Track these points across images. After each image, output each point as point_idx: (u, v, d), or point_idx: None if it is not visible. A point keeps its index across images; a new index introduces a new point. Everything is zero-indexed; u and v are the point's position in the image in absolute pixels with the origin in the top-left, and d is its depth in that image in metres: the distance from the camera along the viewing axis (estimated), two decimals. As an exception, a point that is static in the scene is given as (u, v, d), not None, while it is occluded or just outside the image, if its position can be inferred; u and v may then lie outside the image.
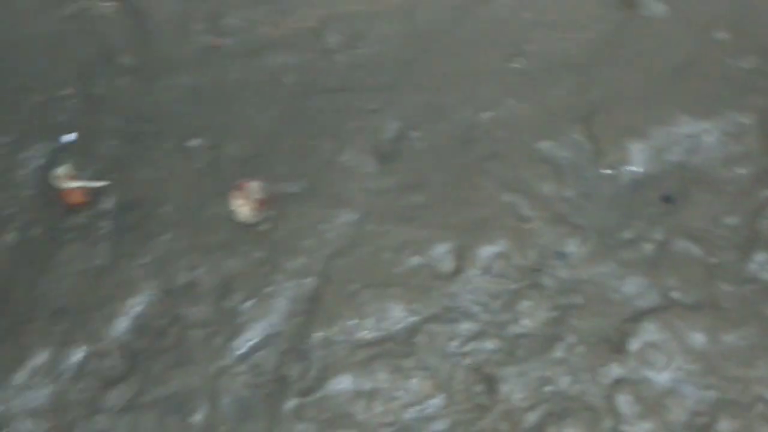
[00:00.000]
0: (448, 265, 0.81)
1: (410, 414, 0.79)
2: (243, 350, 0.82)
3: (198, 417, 0.80)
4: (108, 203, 0.87)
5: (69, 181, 0.83)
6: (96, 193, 0.86)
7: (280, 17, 0.98)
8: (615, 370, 0.77)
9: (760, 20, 0.89)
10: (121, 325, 0.83)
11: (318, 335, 0.81)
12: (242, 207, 0.83)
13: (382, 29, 0.95)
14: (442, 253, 0.82)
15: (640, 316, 0.77)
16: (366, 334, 0.81)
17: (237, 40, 0.93)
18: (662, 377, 0.77)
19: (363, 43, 0.94)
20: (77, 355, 0.83)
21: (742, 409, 0.73)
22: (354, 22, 0.96)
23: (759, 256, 0.79)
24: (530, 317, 0.80)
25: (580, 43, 0.94)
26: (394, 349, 0.80)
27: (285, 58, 0.91)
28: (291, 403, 0.79)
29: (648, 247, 0.82)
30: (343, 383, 0.80)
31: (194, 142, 0.88)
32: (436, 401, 0.79)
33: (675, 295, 0.79)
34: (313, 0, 0.98)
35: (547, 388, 0.77)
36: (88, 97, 0.90)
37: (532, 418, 0.77)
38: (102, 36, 0.93)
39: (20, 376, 0.83)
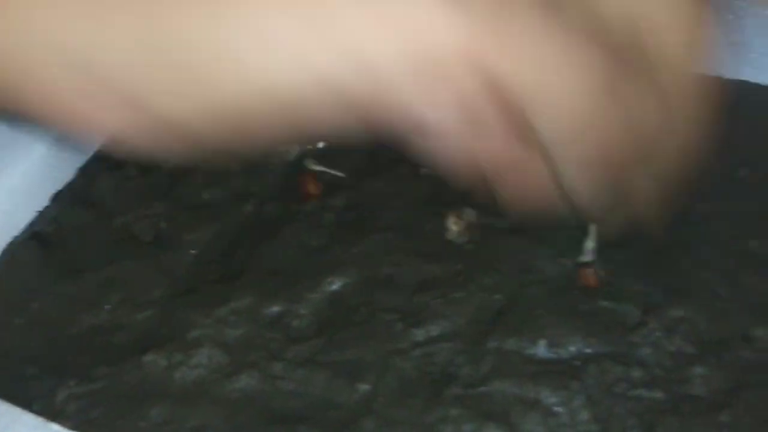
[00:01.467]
0: (634, 317, 0.84)
1: (562, 430, 0.80)
2: (420, 339, 0.87)
3: (364, 385, 0.85)
4: (336, 201, 0.98)
5: (312, 165, 0.94)
6: (328, 191, 0.97)
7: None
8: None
9: None
10: (321, 295, 0.92)
11: (493, 344, 0.85)
12: (453, 225, 0.91)
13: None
14: (630, 305, 0.85)
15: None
16: (539, 352, 0.85)
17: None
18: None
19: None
20: (276, 308, 0.92)
21: None
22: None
23: None
24: (704, 383, 0.81)
25: None
26: (564, 371, 0.82)
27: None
28: (452, 391, 0.83)
29: None
30: (506, 387, 0.83)
31: (425, 170, 0.98)
32: (591, 427, 0.80)
33: None
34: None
35: (705, 445, 0.77)
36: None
37: (682, 463, 0.76)
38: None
39: (222, 312, 0.92)
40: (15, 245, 0.98)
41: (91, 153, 1.08)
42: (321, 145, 1.04)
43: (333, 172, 0.98)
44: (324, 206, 0.99)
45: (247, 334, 0.89)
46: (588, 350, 0.81)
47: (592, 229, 0.85)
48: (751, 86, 1.01)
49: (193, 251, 0.97)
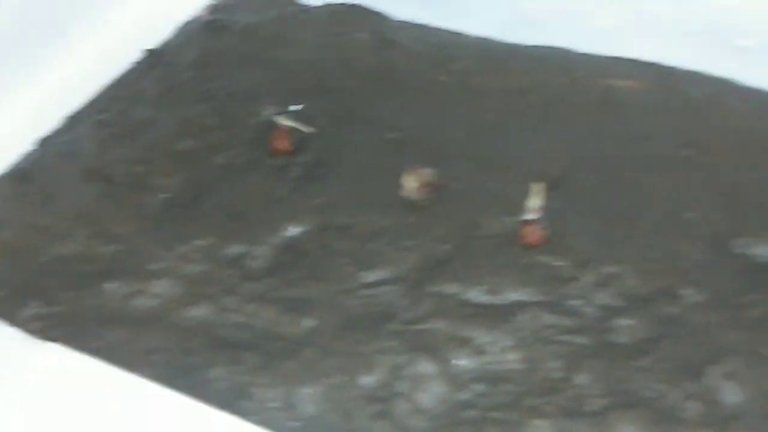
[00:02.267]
0: (568, 271, 0.89)
1: (491, 367, 0.85)
2: (368, 281, 0.92)
3: (309, 320, 0.90)
4: (304, 158, 1.03)
5: (283, 120, 1.00)
6: (298, 148, 1.03)
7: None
8: (690, 387, 0.80)
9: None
10: (278, 239, 0.97)
11: (434, 288, 0.90)
12: (410, 183, 0.96)
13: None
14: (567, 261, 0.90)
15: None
16: (477, 298, 0.89)
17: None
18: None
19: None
20: (235, 249, 0.97)
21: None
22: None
23: None
24: (628, 333, 0.85)
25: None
26: (498, 315, 0.87)
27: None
28: (391, 327, 0.88)
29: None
30: (442, 326, 0.87)
31: (391, 135, 1.04)
32: (517, 366, 0.84)
33: None
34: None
35: (619, 386, 0.81)
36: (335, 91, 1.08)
37: (597, 404, 0.81)
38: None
39: (183, 249, 0.97)
40: (-2, 179, 1.03)
41: (79, 103, 1.14)
42: (297, 107, 1.09)
43: (303, 127, 1.04)
44: (292, 162, 1.04)
45: (205, 270, 0.94)
46: (522, 298, 0.86)
47: (536, 189, 0.90)
48: (698, 77, 1.07)
49: (163, 195, 1.02)
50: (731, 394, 0.78)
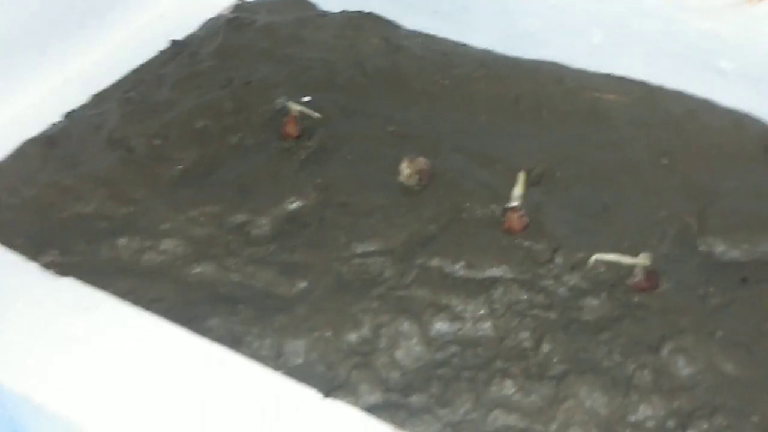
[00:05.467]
0: (545, 254, 0.97)
1: (465, 332, 0.92)
2: (360, 251, 1.00)
3: (303, 282, 0.98)
4: (310, 143, 1.12)
5: (294, 105, 1.09)
6: (305, 134, 1.12)
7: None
8: (644, 359, 0.87)
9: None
10: (281, 211, 1.05)
11: (420, 261, 0.98)
12: (406, 170, 1.05)
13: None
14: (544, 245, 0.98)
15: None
16: (458, 272, 0.97)
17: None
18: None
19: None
20: (240, 217, 1.05)
21: None
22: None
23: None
24: (592, 312, 0.93)
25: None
26: (476, 288, 0.95)
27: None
28: (377, 291, 0.96)
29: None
30: (424, 294, 0.95)
31: (392, 128, 1.13)
32: (490, 335, 0.92)
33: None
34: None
35: (581, 355, 0.89)
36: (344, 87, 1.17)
37: (559, 369, 0.88)
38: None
39: (193, 213, 1.06)
40: (27, 143, 1.13)
41: (106, 84, 1.23)
42: (307, 98, 1.18)
43: (311, 113, 1.13)
44: (298, 146, 1.13)
45: (211, 234, 1.02)
46: (499, 274, 0.94)
47: (521, 177, 0.99)
48: (680, 95, 1.16)
49: (179, 166, 1.11)
50: (682, 367, 0.85)
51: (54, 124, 1.20)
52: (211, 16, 1.39)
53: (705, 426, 0.79)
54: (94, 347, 0.87)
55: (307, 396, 0.83)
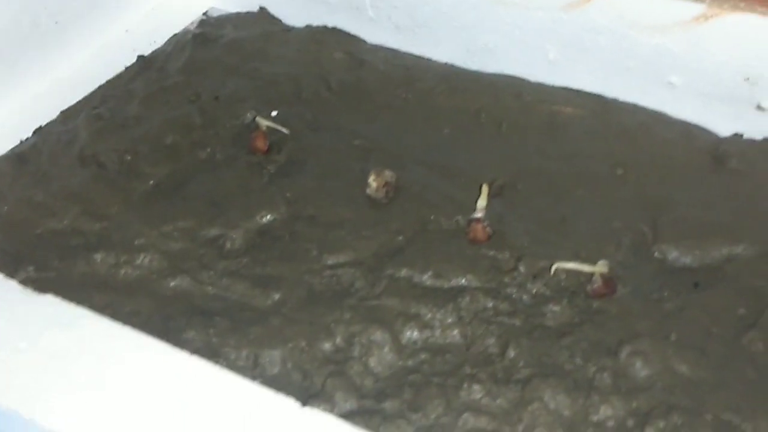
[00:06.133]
0: (509, 263, 1.02)
1: (434, 340, 0.97)
2: (331, 263, 1.03)
3: (276, 294, 1.02)
4: (279, 157, 1.16)
5: (262, 120, 1.13)
6: (274, 148, 1.15)
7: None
8: (604, 362, 0.93)
9: None
10: (251, 225, 1.08)
11: (389, 272, 1.02)
12: (373, 182, 1.08)
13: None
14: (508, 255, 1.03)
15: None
16: (426, 281, 1.02)
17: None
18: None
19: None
20: (213, 231, 1.08)
21: None
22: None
23: None
24: (554, 318, 0.98)
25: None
26: (443, 297, 0.99)
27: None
28: (349, 302, 0.99)
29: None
30: (394, 303, 0.99)
31: (358, 142, 1.16)
32: (458, 342, 0.96)
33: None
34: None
35: (545, 360, 0.94)
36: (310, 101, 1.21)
37: (524, 373, 0.93)
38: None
39: (167, 228, 1.09)
40: (-3, 161, 1.14)
41: (74, 100, 1.25)
42: (274, 113, 1.22)
43: (279, 128, 1.16)
44: (268, 160, 1.16)
45: (185, 248, 1.05)
46: (465, 284, 0.98)
47: (484, 189, 1.03)
48: (633, 107, 1.22)
49: (150, 182, 1.13)
50: (639, 369, 0.90)
51: (23, 140, 1.21)
52: (177, 31, 1.41)
53: (662, 424, 0.84)
54: (76, 362, 0.89)
55: (285, 405, 0.86)
